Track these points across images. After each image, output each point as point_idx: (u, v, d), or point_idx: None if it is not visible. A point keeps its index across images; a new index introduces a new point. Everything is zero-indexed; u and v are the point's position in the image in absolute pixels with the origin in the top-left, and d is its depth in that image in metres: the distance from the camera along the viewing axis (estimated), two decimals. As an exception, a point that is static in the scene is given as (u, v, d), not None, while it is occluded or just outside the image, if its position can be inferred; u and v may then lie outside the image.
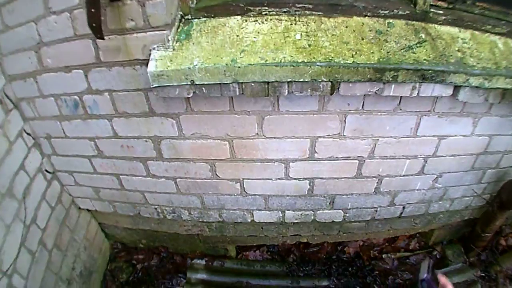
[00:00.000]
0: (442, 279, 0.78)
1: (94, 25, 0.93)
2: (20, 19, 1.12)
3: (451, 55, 1.05)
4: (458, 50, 1.07)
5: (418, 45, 1.00)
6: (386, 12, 1.00)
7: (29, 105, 1.26)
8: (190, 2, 0.96)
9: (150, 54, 0.95)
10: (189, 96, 0.93)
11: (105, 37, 0.96)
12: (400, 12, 1.01)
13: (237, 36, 0.90)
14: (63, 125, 1.25)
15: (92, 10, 0.92)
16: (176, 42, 0.93)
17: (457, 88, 1.09)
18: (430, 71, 1.00)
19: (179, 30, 0.95)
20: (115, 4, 0.95)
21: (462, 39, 1.08)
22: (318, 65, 0.90)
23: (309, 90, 0.92)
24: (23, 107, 1.28)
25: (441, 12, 1.06)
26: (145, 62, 0.96)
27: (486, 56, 1.11)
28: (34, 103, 1.25)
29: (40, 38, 1.10)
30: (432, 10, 1.05)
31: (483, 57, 1.11)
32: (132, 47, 0.97)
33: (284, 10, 0.93)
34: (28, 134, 1.32)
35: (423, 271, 0.82)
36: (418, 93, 1.02)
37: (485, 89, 1.12)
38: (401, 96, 1.06)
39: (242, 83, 0.90)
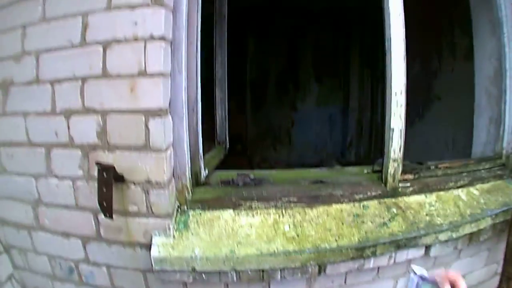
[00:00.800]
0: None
1: (104, 203, 1.00)
2: (19, 169, 1.18)
3: (421, 221, 1.20)
4: (426, 215, 1.23)
5: (391, 220, 1.14)
6: (361, 196, 1.15)
7: (20, 256, 1.26)
8: (186, 193, 1.07)
9: (151, 239, 1.02)
10: (189, 281, 1.00)
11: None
12: (373, 193, 1.17)
13: (232, 229, 1.01)
14: (55, 285, 1.25)
15: (104, 189, 1.00)
16: (176, 230, 1.02)
17: (428, 246, 1.23)
18: (403, 240, 1.14)
19: (177, 219, 1.04)
20: (119, 185, 1.05)
21: (428, 203, 1.25)
22: (307, 252, 1.00)
23: (299, 274, 1.01)
24: (14, 255, 1.29)
25: (408, 184, 1.23)
26: (146, 245, 1.03)
27: (451, 211, 1.28)
28: (26, 255, 1.25)
29: (39, 196, 1.15)
30: (400, 185, 1.22)
31: (449, 213, 1.27)
32: (134, 230, 1.04)
33: (272, 204, 1.06)
34: (17, 281, 1.31)
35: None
36: (394, 261, 1.14)
37: (454, 240, 1.27)
38: (379, 266, 1.18)
39: (239, 270, 0.99)
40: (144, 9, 0.96)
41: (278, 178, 1.21)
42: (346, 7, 3.75)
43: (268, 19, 4.15)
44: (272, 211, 1.05)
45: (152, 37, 0.95)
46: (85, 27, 1.02)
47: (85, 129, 1.04)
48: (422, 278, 0.71)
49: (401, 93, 1.10)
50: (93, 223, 1.09)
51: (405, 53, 1.10)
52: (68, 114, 1.06)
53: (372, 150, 3.97)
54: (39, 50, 1.10)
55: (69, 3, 1.05)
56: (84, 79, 1.03)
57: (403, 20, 1.10)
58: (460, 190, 1.36)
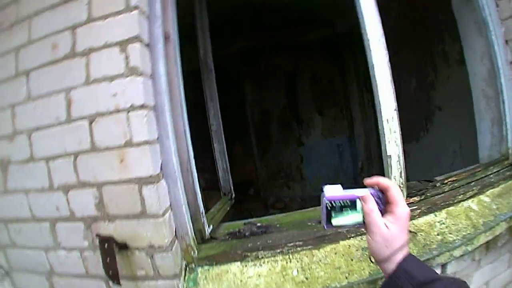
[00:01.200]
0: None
1: (110, 272, 1.02)
2: (28, 243, 1.21)
3: (432, 242, 1.17)
4: (438, 234, 1.20)
5: (401, 246, 1.12)
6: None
7: (43, 325, 1.31)
8: (192, 252, 1.08)
9: (162, 301, 1.04)
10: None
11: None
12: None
13: (241, 281, 1.01)
14: None
15: (108, 259, 1.02)
16: (186, 290, 1.03)
17: (444, 265, 1.20)
18: (417, 265, 1.12)
19: (186, 278, 1.05)
20: (124, 252, 1.06)
21: (439, 222, 1.22)
22: (317, 296, 1.00)
23: (313, 317, 1.00)
24: (35, 323, 1.33)
25: (416, 207, 1.20)
26: (159, 307, 1.04)
27: (463, 225, 1.25)
28: (47, 323, 1.29)
29: (51, 268, 1.18)
30: None
31: (461, 227, 1.24)
32: (145, 293, 1.06)
33: (278, 251, 1.06)
34: None
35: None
36: (410, 287, 1.12)
37: (470, 252, 1.24)
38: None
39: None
40: (122, 79, 0.97)
41: (285, 222, 1.22)
42: (336, 34, 3.74)
43: (261, 58, 4.26)
44: (279, 258, 1.04)
45: (133, 107, 0.96)
46: (69, 103, 1.05)
47: (84, 202, 1.06)
48: (332, 199, 0.60)
49: (392, 119, 1.08)
50: (105, 290, 1.11)
51: (391, 77, 1.08)
52: (66, 189, 1.08)
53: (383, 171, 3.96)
54: (30, 129, 1.12)
55: (51, 80, 1.08)
56: (75, 154, 1.05)
57: (384, 44, 1.08)
58: (470, 200, 1.32)
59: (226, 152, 1.84)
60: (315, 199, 0.65)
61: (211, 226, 1.19)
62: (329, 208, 0.59)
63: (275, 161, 4.39)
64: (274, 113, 4.45)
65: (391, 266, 0.57)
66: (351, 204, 0.60)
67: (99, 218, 1.05)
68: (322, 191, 0.61)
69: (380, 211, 0.59)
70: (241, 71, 4.29)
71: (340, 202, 0.60)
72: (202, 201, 1.13)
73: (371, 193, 0.60)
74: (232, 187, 1.84)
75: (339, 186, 0.61)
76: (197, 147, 1.22)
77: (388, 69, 1.08)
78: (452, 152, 2.08)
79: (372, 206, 0.59)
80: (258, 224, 1.23)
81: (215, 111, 1.82)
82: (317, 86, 4.31)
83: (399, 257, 0.58)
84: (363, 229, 1.11)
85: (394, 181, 0.59)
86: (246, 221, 1.28)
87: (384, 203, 0.60)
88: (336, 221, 0.60)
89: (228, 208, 1.62)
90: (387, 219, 0.59)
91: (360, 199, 0.60)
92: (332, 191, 0.60)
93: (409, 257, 0.59)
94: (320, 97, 4.32)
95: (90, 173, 1.03)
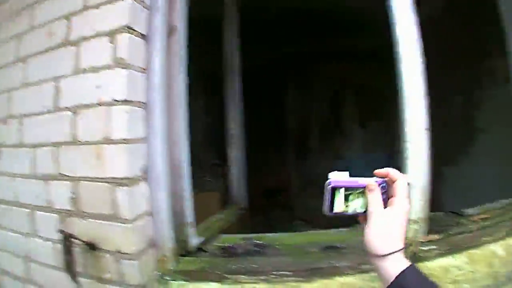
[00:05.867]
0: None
1: (69, 269, 1.04)
2: (11, 226, 1.24)
3: (445, 292, 1.02)
4: (451, 282, 1.04)
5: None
6: (371, 266, 1.01)
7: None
8: (168, 263, 1.05)
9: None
10: None
11: (84, 281, 1.04)
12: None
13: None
14: None
15: (68, 257, 1.03)
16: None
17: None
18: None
19: None
20: (94, 253, 1.05)
21: (456, 267, 1.06)
22: None
23: None
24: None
25: (434, 246, 1.05)
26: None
27: (482, 273, 1.08)
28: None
29: (28, 253, 1.20)
30: (423, 248, 1.05)
31: (479, 276, 1.07)
32: (111, 299, 1.04)
33: (262, 278, 0.99)
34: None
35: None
36: None
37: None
38: None
39: None
40: (107, 71, 0.98)
41: (286, 244, 1.17)
42: (387, 44, 3.59)
43: (306, 65, 4.24)
44: (260, 286, 0.96)
45: (115, 101, 0.95)
46: (57, 92, 1.07)
47: (61, 195, 1.08)
48: (337, 185, 0.60)
49: (421, 141, 0.94)
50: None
51: (425, 88, 0.94)
52: (46, 179, 1.12)
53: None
54: (22, 115, 1.17)
55: (44, 68, 1.12)
56: (58, 145, 1.07)
57: (419, 46, 0.95)
58: (498, 244, 1.13)
59: (244, 160, 1.79)
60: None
61: (201, 238, 1.17)
62: (333, 193, 0.60)
63: (310, 171, 4.30)
64: (315, 122, 4.43)
65: (384, 263, 0.58)
66: (356, 192, 0.61)
67: (74, 213, 1.07)
68: (328, 179, 0.62)
69: (383, 201, 0.61)
70: (285, 77, 4.34)
71: (345, 189, 0.61)
72: (194, 210, 1.11)
73: (377, 183, 0.61)
74: (246, 198, 1.77)
75: (347, 173, 0.62)
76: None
77: (422, 79, 0.95)
78: (491, 179, 1.87)
79: (377, 197, 0.60)
80: (257, 242, 1.20)
81: (236, 114, 1.78)
82: (363, 98, 4.22)
83: (396, 263, 0.57)
84: (364, 266, 1.01)
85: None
86: (245, 236, 1.25)
87: (388, 195, 0.62)
88: (339, 208, 0.61)
89: (234, 219, 1.56)
90: (387, 211, 0.60)
91: (366, 188, 0.61)
92: (338, 177, 0.61)
93: (409, 270, 0.57)
94: (365, 110, 4.22)
95: (69, 166, 1.05)
